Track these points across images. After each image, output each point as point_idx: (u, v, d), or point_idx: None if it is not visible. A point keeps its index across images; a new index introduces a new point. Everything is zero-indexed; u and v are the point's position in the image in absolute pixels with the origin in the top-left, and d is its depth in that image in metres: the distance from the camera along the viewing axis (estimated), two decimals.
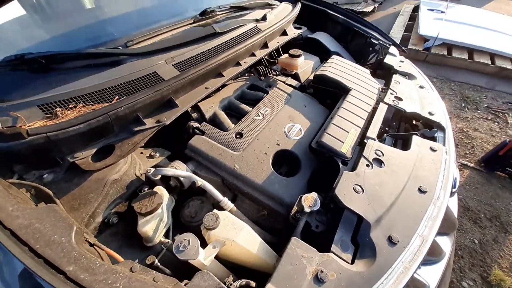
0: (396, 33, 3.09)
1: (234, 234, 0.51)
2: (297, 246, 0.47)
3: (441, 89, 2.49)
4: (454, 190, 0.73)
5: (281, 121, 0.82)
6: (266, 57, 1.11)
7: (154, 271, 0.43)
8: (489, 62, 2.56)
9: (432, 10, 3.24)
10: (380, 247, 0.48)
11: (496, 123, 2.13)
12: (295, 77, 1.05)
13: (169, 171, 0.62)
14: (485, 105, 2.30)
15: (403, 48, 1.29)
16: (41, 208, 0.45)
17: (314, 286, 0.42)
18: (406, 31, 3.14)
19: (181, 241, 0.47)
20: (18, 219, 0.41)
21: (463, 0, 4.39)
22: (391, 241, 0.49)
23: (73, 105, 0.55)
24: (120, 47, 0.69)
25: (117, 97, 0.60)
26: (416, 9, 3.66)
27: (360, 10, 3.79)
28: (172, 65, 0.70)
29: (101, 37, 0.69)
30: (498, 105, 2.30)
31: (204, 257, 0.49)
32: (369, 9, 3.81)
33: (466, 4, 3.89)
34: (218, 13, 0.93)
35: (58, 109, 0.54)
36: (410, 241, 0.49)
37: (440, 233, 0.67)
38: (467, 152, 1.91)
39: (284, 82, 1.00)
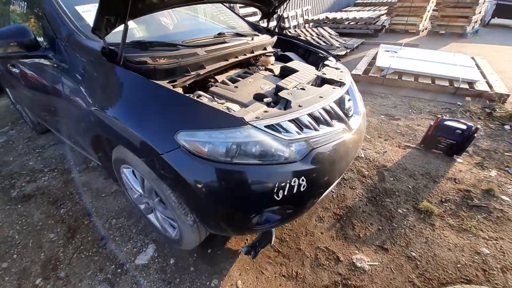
0: (361, 66, 4.03)
1: None
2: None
3: (394, 102, 3.23)
4: (347, 107, 1.34)
5: (260, 83, 1.50)
6: (253, 60, 1.87)
7: None
8: (430, 82, 3.36)
9: (388, 51, 4.25)
10: (294, 107, 1.11)
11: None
12: (270, 70, 1.78)
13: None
14: (427, 110, 3.00)
15: (340, 59, 2.05)
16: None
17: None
18: (369, 65, 4.08)
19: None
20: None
21: (421, 45, 5.55)
22: (299, 106, 1.12)
23: (163, 59, 1.25)
24: (180, 42, 1.44)
25: (179, 59, 1.30)
26: None
27: (336, 53, 4.87)
28: (204, 51, 1.42)
29: (174, 39, 1.46)
30: (437, 110, 2.99)
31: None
32: (342, 53, 4.90)
33: (423, 48, 4.98)
34: (226, 34, 1.73)
35: (157, 58, 1.23)
36: (310, 107, 1.12)
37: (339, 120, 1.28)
38: (411, 139, 2.52)
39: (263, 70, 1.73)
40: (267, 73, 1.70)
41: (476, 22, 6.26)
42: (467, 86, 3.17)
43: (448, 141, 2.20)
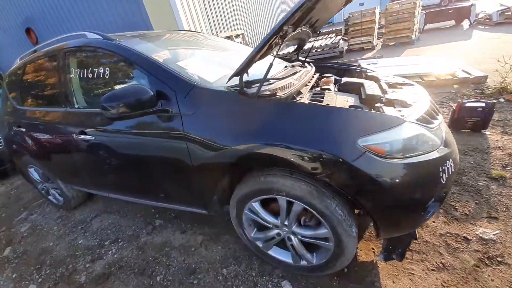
0: None
1: None
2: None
3: None
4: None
5: (341, 98, 1.67)
6: (315, 82, 2.08)
7: None
8: (420, 80, 3.92)
9: (370, 64, 4.91)
10: (413, 105, 1.27)
11: (446, 108, 3.21)
12: (328, 88, 1.99)
13: None
14: None
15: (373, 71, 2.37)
16: None
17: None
18: None
19: None
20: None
21: (385, 55, 6.49)
22: (415, 102, 1.29)
23: (279, 90, 1.35)
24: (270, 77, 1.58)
25: (288, 89, 1.43)
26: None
27: None
28: (295, 80, 1.57)
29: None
30: (439, 99, 3.45)
31: None
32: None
33: (388, 57, 5.83)
34: (288, 67, 1.93)
35: (274, 91, 1.34)
36: (422, 102, 1.30)
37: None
38: None
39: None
40: (332, 91, 1.90)
41: (416, 30, 7.61)
42: (451, 77, 3.77)
43: (473, 119, 2.55)
